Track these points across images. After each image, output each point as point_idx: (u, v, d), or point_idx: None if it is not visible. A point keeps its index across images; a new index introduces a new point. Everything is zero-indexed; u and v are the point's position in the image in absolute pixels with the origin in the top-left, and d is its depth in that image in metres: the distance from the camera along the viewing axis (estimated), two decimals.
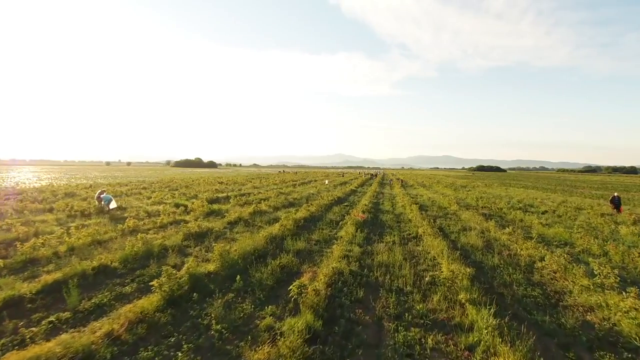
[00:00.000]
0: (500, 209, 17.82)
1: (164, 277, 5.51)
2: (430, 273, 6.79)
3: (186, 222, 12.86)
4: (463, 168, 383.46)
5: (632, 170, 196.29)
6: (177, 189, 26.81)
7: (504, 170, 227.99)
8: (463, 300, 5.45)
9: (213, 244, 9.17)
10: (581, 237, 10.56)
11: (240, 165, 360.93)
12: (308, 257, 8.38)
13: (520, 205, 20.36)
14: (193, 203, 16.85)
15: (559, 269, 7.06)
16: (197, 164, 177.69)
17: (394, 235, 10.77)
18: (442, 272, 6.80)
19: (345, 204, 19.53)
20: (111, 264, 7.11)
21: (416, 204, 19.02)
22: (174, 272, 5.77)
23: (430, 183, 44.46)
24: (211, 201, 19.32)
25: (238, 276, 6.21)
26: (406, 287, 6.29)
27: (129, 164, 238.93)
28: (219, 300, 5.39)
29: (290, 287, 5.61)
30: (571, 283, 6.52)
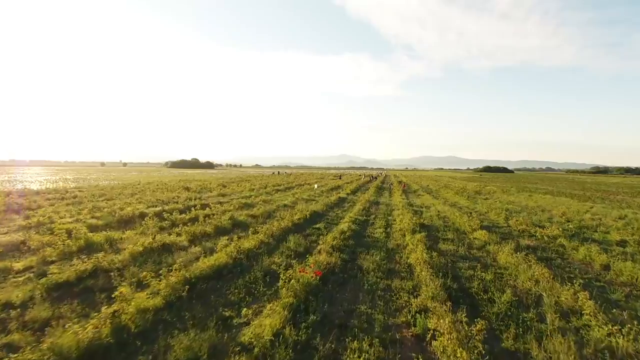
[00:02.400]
0: (552, 237, 11.55)
1: None
2: None
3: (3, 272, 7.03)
4: (468, 169, 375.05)
5: None
6: (114, 199, 20.90)
7: (511, 171, 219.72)
8: None
9: None
10: None
11: (241, 165, 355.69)
12: None
13: (572, 225, 14.11)
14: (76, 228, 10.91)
15: None
16: (194, 164, 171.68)
17: (371, 342, 4.60)
18: None
19: (317, 225, 13.41)
20: None
21: (422, 226, 12.86)
22: None
23: (437, 188, 38.10)
24: (125, 221, 13.41)
25: None
26: None
27: (125, 164, 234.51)
28: None
29: None
30: None
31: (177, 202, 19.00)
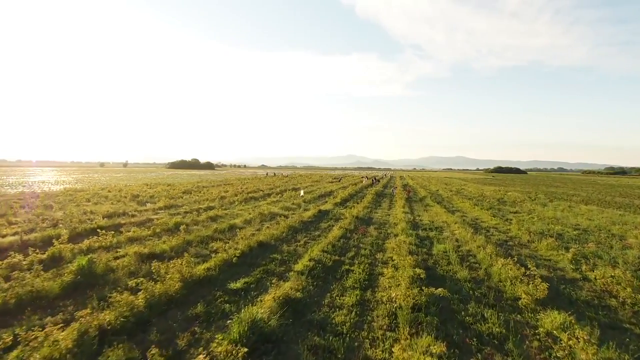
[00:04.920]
0: None
1: None
2: None
3: None
4: (478, 169, 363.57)
5: None
6: (33, 213, 15.18)
7: (524, 172, 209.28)
8: None
9: None
10: None
11: (245, 166, 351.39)
12: None
13: None
14: None
15: None
16: (193, 165, 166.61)
17: None
18: None
19: (239, 283, 7.30)
20: None
21: (431, 298, 6.60)
22: None
23: (449, 194, 31.41)
24: None
25: None
26: None
27: (125, 165, 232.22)
28: None
29: None
30: None
31: (72, 221, 13.14)
